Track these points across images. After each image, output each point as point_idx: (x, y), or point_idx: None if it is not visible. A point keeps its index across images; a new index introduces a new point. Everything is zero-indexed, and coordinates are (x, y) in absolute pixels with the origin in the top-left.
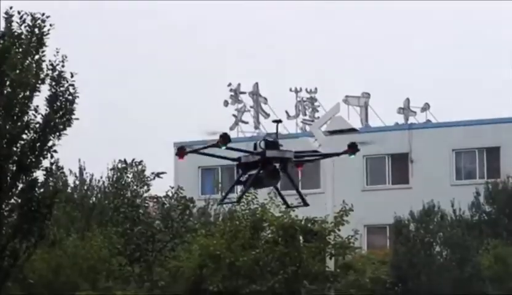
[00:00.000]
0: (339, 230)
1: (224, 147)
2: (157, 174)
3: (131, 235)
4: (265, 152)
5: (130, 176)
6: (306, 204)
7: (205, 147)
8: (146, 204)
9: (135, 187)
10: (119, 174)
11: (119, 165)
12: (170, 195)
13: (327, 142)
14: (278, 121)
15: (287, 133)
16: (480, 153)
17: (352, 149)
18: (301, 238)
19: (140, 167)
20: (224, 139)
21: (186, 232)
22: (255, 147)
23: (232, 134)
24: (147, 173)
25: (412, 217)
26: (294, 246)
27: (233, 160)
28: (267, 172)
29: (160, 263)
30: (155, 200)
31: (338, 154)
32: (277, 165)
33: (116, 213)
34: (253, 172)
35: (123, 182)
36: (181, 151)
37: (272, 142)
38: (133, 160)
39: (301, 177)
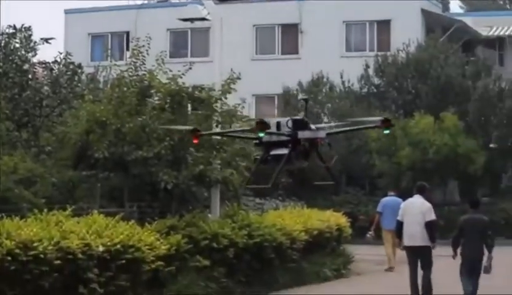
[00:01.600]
0: (226, 98)
1: (262, 135)
2: (46, 40)
3: (19, 100)
4: (296, 133)
5: (18, 41)
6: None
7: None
8: (35, 70)
9: (23, 52)
10: (7, 39)
11: (8, 30)
12: (59, 61)
13: (216, 10)
14: (306, 100)
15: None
16: (371, 25)
17: (388, 123)
18: (189, 105)
19: (28, 32)
20: (262, 125)
21: (74, 97)
22: (278, 126)
23: None
24: (36, 38)
25: (300, 88)
26: (181, 113)
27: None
28: (297, 153)
29: (48, 129)
30: (43, 65)
31: (370, 127)
32: (307, 145)
33: (5, 78)
34: (278, 152)
35: (11, 48)
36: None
37: (300, 121)
38: (22, 25)
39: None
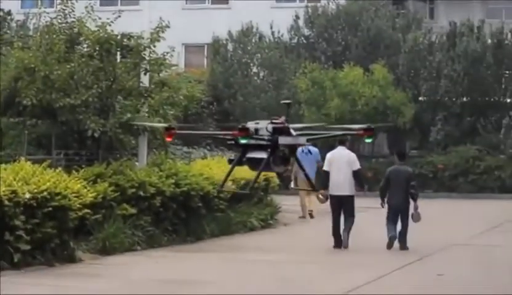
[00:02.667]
0: (155, 46)
1: (245, 141)
2: None
3: None
4: (277, 139)
5: None
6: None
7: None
8: None
9: None
10: None
11: None
12: None
13: None
14: (288, 104)
15: None
16: None
17: (370, 131)
18: (117, 53)
19: None
20: (245, 131)
21: (3, 44)
22: (257, 129)
23: None
24: None
25: (230, 37)
26: (109, 61)
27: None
28: (276, 158)
29: None
30: None
31: (351, 134)
32: (286, 150)
33: None
34: (255, 155)
35: None
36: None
37: (281, 126)
38: None
39: None
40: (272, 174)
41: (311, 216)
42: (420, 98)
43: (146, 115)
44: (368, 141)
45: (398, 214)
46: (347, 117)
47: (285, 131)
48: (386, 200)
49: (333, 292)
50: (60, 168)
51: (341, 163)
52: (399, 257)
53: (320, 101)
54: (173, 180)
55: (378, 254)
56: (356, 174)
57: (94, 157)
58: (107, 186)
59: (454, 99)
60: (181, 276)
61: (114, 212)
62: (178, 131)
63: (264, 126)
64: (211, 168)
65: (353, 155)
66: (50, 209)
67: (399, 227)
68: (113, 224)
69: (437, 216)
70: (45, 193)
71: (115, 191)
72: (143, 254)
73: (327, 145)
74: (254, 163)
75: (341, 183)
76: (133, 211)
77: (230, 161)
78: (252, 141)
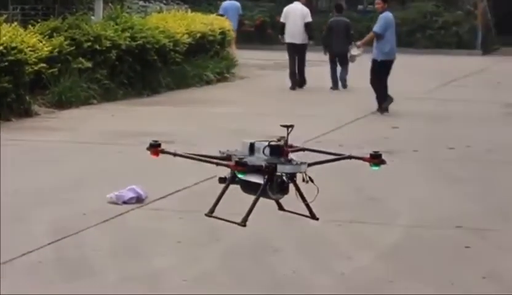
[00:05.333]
0: None
1: (243, 176)
2: None
3: None
4: (275, 167)
5: None
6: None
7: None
8: None
9: None
10: None
11: None
12: None
13: None
14: (288, 127)
15: None
16: None
17: (377, 159)
18: None
19: None
20: (242, 166)
21: None
22: (252, 149)
23: None
24: None
25: None
26: None
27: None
28: (273, 185)
29: None
30: None
31: (355, 157)
32: (286, 178)
33: None
34: (250, 178)
35: None
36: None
37: (278, 148)
38: None
39: None
40: (228, 28)
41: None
42: None
43: None
44: (375, 168)
45: (339, 58)
46: None
47: (284, 156)
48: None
49: (298, 140)
50: (15, 23)
51: (296, 16)
52: (354, 110)
53: None
54: (128, 34)
55: (334, 106)
56: (307, 26)
57: (50, 11)
58: (63, 40)
59: None
60: (137, 128)
61: (70, 66)
62: (166, 151)
63: (261, 147)
64: (167, 22)
65: (306, 10)
66: (6, 64)
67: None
68: (69, 77)
69: (394, 71)
70: (1, 47)
71: (71, 45)
72: (99, 107)
73: None
74: (248, 188)
75: (295, 33)
76: (88, 64)
77: (221, 180)
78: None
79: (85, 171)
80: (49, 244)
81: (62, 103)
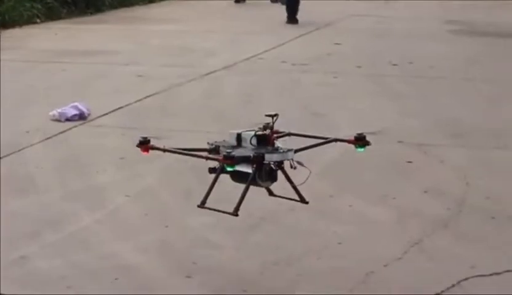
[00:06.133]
0: None
1: (231, 169)
2: None
3: None
4: (263, 156)
5: None
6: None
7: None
8: None
9: None
10: None
11: None
12: None
13: None
14: (273, 116)
15: None
16: None
17: (361, 141)
18: None
19: None
20: (230, 159)
21: None
22: (239, 139)
23: None
24: None
25: None
26: None
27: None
28: (262, 173)
29: None
30: None
31: (341, 140)
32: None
33: None
34: (239, 168)
35: None
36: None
37: (264, 137)
38: None
39: None
40: None
41: None
42: None
43: None
44: (360, 150)
45: None
46: None
47: (271, 145)
48: None
49: (242, 56)
50: None
51: None
52: (297, 26)
53: None
54: None
55: (278, 22)
56: None
57: None
58: None
59: None
60: (80, 47)
61: None
62: (154, 147)
63: (248, 137)
64: None
65: None
66: None
67: None
68: None
69: None
70: None
71: None
72: (43, 26)
73: None
74: (238, 177)
75: None
76: None
77: (211, 170)
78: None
79: (28, 90)
80: None
81: (5, 23)
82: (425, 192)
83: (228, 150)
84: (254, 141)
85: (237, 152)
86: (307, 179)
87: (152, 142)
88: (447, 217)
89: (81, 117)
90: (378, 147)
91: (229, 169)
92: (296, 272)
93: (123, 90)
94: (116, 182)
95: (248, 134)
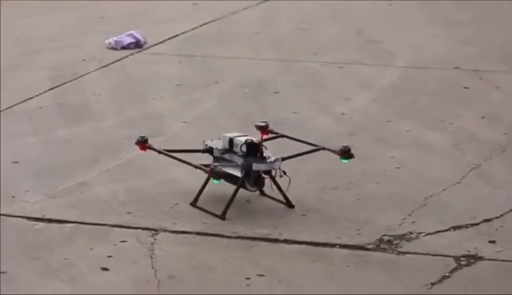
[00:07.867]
0: None
1: (217, 182)
2: None
3: None
4: (250, 165)
5: None
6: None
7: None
8: None
9: None
10: None
11: None
12: None
13: None
14: (264, 128)
15: None
16: None
17: (347, 153)
18: None
19: None
20: (218, 174)
21: None
22: (231, 144)
23: None
24: None
25: None
26: None
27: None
28: (250, 180)
29: None
30: None
31: (328, 149)
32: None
33: None
34: (230, 171)
35: None
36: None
37: (253, 145)
38: None
39: None
40: None
41: None
42: None
43: None
44: (344, 161)
45: None
46: None
47: (260, 153)
48: None
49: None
50: None
51: None
52: None
53: None
54: None
55: None
56: None
57: None
58: None
59: None
60: None
61: None
62: (151, 146)
63: (239, 143)
64: None
65: None
66: None
67: None
68: None
69: None
70: None
71: None
72: None
73: None
74: (228, 178)
75: None
76: None
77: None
78: (226, 156)
79: (83, 19)
80: (49, 90)
81: None
82: (482, 117)
83: (215, 164)
84: (244, 149)
85: (228, 158)
86: (288, 186)
87: (155, 137)
88: (504, 143)
89: (137, 45)
90: (434, 73)
91: (215, 182)
92: (355, 197)
93: (178, 18)
94: (173, 108)
95: (239, 141)
